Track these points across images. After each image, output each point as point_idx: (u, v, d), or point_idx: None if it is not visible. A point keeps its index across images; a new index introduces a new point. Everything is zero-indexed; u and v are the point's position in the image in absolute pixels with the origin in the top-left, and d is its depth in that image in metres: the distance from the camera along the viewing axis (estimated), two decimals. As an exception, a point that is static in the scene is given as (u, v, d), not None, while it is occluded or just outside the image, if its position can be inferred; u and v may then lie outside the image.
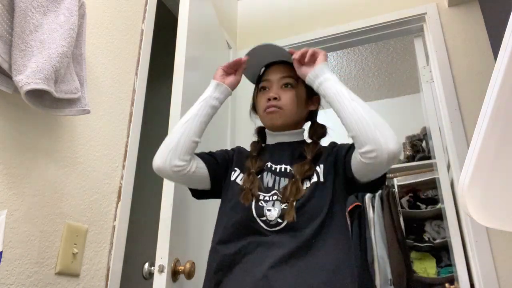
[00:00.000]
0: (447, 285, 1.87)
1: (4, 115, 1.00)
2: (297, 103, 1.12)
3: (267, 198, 1.03)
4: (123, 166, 1.40)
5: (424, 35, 2.08)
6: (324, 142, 1.15)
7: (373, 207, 2.94)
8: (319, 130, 1.18)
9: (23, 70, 0.91)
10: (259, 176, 1.08)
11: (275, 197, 1.03)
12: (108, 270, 1.26)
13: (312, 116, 1.21)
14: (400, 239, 2.79)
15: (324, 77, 1.00)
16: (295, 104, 1.12)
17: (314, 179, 1.03)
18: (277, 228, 0.98)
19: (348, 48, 2.71)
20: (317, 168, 1.05)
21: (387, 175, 3.10)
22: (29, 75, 0.90)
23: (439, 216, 2.93)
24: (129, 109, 1.47)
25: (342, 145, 1.08)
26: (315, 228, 0.96)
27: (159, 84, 2.25)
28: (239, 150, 1.20)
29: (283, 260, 0.92)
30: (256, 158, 1.13)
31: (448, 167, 1.85)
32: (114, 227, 1.32)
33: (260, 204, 1.02)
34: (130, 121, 1.46)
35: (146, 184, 1.91)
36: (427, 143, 3.17)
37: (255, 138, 1.23)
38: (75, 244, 1.14)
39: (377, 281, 2.68)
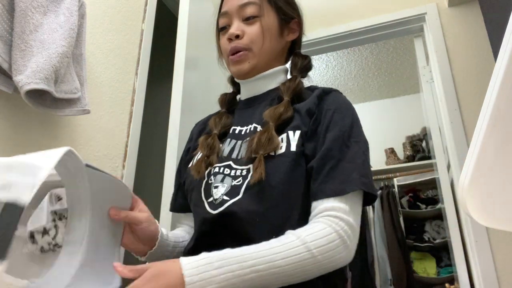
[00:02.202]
0: (447, 285, 1.87)
1: (4, 115, 1.00)
2: (267, 37, 0.86)
3: (217, 169, 0.78)
4: (123, 166, 1.40)
5: (424, 35, 2.08)
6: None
7: (373, 207, 2.94)
8: (299, 62, 0.90)
9: (23, 70, 0.91)
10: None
11: (227, 171, 0.76)
12: (108, 270, 1.26)
13: (294, 47, 0.95)
14: (400, 239, 2.79)
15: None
16: (263, 38, 0.86)
17: (282, 149, 0.74)
18: (219, 210, 0.72)
19: (348, 48, 2.71)
20: (290, 133, 0.76)
21: (387, 175, 3.12)
22: (29, 75, 0.90)
23: (439, 216, 2.93)
24: (129, 109, 1.47)
25: (331, 116, 0.76)
26: (280, 217, 0.70)
27: (159, 84, 2.25)
28: (196, 127, 0.99)
29: None
30: (221, 115, 0.88)
31: (448, 167, 1.85)
32: (114, 227, 1.31)
33: (209, 180, 0.78)
34: (130, 121, 1.46)
35: (146, 184, 1.91)
36: (427, 143, 3.18)
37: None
38: (75, 244, 1.14)
39: (377, 281, 2.68)
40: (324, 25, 2.25)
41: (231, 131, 0.85)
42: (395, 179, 3.18)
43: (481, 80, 1.80)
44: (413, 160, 3.24)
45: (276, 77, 0.90)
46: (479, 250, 1.54)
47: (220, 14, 0.91)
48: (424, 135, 3.31)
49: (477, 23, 1.90)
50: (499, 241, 1.54)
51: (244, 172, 0.75)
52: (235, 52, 0.86)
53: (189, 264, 0.60)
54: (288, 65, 0.94)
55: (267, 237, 0.66)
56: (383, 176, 3.12)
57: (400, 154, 3.41)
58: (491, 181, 0.41)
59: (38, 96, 0.97)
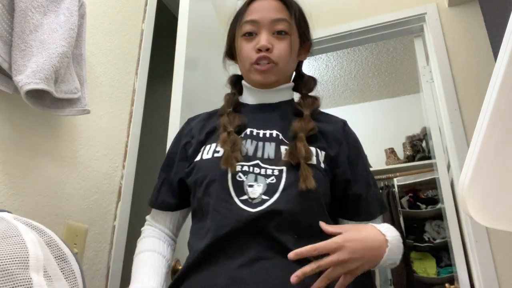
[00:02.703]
0: (447, 285, 1.87)
1: (4, 115, 1.00)
2: (292, 55, 0.91)
3: (246, 168, 0.80)
4: (123, 166, 1.40)
5: (424, 35, 2.08)
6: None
7: (373, 207, 2.93)
8: (310, 83, 0.97)
9: (23, 70, 0.91)
10: None
11: (257, 170, 0.80)
12: (108, 270, 1.26)
13: (298, 66, 1.01)
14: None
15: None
16: (289, 56, 0.90)
17: (313, 160, 0.82)
18: (260, 208, 0.74)
19: (348, 48, 2.71)
20: (318, 151, 0.84)
21: (387, 175, 3.12)
22: (29, 75, 0.90)
23: (439, 216, 2.93)
24: (129, 109, 1.47)
25: (355, 150, 0.89)
26: (314, 220, 0.77)
27: (159, 84, 2.25)
28: (193, 122, 0.98)
29: (261, 258, 0.73)
30: (234, 115, 0.90)
31: (448, 167, 1.85)
32: (114, 227, 1.31)
33: (238, 177, 0.79)
34: (130, 121, 1.46)
35: (146, 184, 1.91)
36: (427, 143, 3.18)
37: (228, 90, 1.01)
38: (75, 244, 1.14)
39: (377, 281, 2.68)
40: (324, 25, 2.25)
41: (248, 132, 0.87)
42: (395, 179, 3.18)
43: (481, 80, 1.80)
44: (413, 160, 3.24)
45: (287, 91, 0.96)
46: (479, 250, 1.54)
47: (249, 20, 0.91)
48: (424, 135, 3.30)
49: (477, 23, 1.90)
50: (499, 241, 1.54)
51: (277, 172, 0.80)
52: (262, 60, 0.88)
53: (387, 232, 0.74)
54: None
55: (293, 237, 0.74)
56: (383, 176, 3.12)
57: (400, 154, 3.41)
58: (491, 181, 0.41)
59: (38, 96, 0.97)
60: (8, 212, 0.64)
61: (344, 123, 0.94)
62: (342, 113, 3.69)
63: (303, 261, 0.70)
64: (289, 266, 0.70)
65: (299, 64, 1.02)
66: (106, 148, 1.33)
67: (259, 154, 0.82)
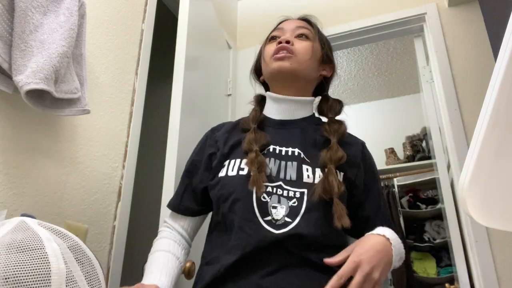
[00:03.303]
0: (447, 285, 1.87)
1: (4, 115, 1.00)
2: (312, 56, 0.95)
3: (270, 189, 0.83)
4: (123, 166, 1.40)
5: (424, 35, 2.08)
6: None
7: (373, 207, 2.93)
8: (336, 106, 0.99)
9: (23, 70, 0.91)
10: None
11: (280, 191, 0.82)
12: (108, 270, 1.26)
13: (323, 86, 1.04)
14: (400, 239, 2.78)
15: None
16: (309, 55, 0.94)
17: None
18: (284, 230, 0.78)
19: (348, 48, 2.71)
20: (337, 172, 0.88)
21: (387, 175, 3.12)
22: (29, 75, 0.90)
23: (439, 216, 2.93)
24: (129, 109, 1.47)
25: (372, 174, 0.94)
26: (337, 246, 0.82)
27: (159, 84, 2.25)
28: (218, 133, 1.01)
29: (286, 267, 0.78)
30: (259, 133, 0.91)
31: (448, 167, 1.85)
32: (114, 227, 1.31)
33: (262, 198, 0.82)
34: (130, 121, 1.46)
35: (146, 184, 1.91)
36: (427, 143, 3.18)
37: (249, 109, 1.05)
38: (75, 244, 1.14)
39: (377, 281, 2.67)
40: (324, 25, 2.24)
41: (271, 150, 0.90)
42: (395, 179, 3.17)
43: (481, 80, 1.80)
44: (413, 160, 3.24)
45: (306, 106, 0.99)
46: (479, 250, 1.54)
47: (276, 28, 1.01)
48: (424, 135, 3.30)
49: (477, 23, 1.90)
50: (499, 241, 1.54)
51: (298, 195, 0.83)
52: (281, 51, 0.93)
53: (384, 232, 0.80)
54: (316, 99, 1.03)
55: (312, 252, 0.78)
56: (383, 176, 3.12)
57: (400, 154, 3.41)
58: (491, 181, 0.41)
59: (38, 96, 0.97)
60: (32, 217, 0.65)
61: (363, 146, 0.98)
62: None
63: (323, 269, 0.77)
64: (310, 274, 0.77)
65: (324, 83, 1.04)
66: (106, 148, 1.33)
67: (281, 175, 0.85)
